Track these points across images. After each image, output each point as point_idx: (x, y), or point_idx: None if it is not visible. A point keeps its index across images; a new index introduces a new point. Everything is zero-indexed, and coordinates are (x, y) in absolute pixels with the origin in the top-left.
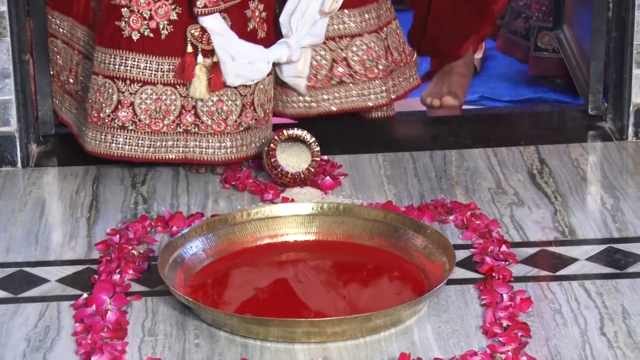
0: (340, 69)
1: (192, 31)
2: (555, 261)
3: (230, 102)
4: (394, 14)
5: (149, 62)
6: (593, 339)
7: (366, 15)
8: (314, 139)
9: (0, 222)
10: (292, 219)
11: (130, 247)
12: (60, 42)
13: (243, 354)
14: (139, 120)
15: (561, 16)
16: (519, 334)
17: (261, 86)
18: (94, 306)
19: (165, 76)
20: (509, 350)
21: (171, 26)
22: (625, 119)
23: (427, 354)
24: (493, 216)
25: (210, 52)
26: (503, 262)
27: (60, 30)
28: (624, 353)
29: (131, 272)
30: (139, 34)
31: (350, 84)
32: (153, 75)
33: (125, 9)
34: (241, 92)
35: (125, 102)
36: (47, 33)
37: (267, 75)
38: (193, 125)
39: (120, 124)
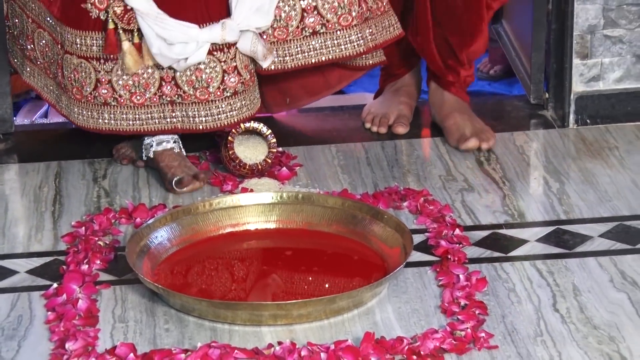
0: (312, 19)
1: (115, 9)
2: (507, 243)
3: (209, 70)
4: None
5: None
6: (547, 315)
7: None
8: (270, 131)
9: None
10: (252, 208)
11: (97, 239)
12: (17, 6)
13: (212, 337)
14: (120, 96)
15: (500, 11)
16: (477, 312)
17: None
18: (64, 295)
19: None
20: (467, 328)
21: None
22: (566, 107)
23: (390, 333)
24: (445, 202)
25: (131, 32)
26: (457, 245)
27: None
28: (577, 327)
29: (98, 262)
30: (106, 14)
31: (324, 34)
32: None
33: None
34: (220, 58)
35: (103, 79)
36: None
37: (205, 55)
38: (177, 96)
39: (103, 101)
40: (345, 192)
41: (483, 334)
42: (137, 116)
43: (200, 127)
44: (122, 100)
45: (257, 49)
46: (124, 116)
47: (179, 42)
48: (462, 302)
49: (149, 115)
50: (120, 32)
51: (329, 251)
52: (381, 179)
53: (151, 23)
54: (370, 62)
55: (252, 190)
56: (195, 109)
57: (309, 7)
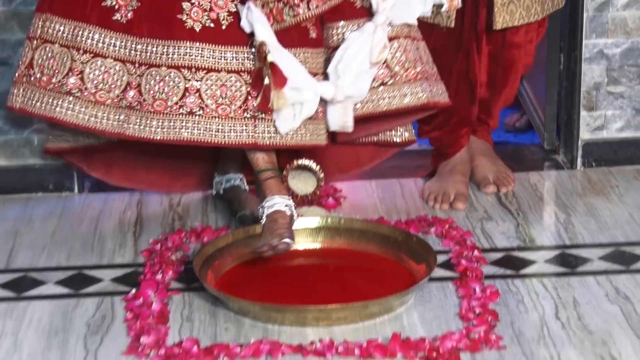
0: (381, 72)
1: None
2: (518, 263)
3: (234, 88)
4: (421, 35)
5: (212, 50)
6: (549, 323)
7: (398, 28)
8: (319, 167)
9: (62, 235)
10: (302, 230)
11: (170, 254)
12: (57, 45)
13: (264, 335)
14: (207, 106)
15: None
16: (489, 318)
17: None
18: (141, 299)
19: (229, 64)
20: (481, 331)
21: (231, 17)
22: (575, 152)
23: (414, 335)
24: (467, 228)
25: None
26: (475, 264)
27: (60, 34)
28: (575, 333)
29: (170, 273)
30: (200, 25)
31: (392, 85)
32: (217, 63)
33: (187, 2)
34: (247, 80)
35: (192, 89)
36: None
37: (315, 109)
38: (198, 108)
39: (188, 110)
40: (382, 219)
41: (494, 337)
42: (221, 127)
43: (216, 140)
44: (207, 111)
45: (347, 117)
46: (208, 126)
47: (298, 87)
48: (478, 310)
49: (232, 128)
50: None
51: (365, 266)
52: (413, 209)
53: (283, 61)
54: (403, 139)
55: (301, 215)
56: (219, 123)
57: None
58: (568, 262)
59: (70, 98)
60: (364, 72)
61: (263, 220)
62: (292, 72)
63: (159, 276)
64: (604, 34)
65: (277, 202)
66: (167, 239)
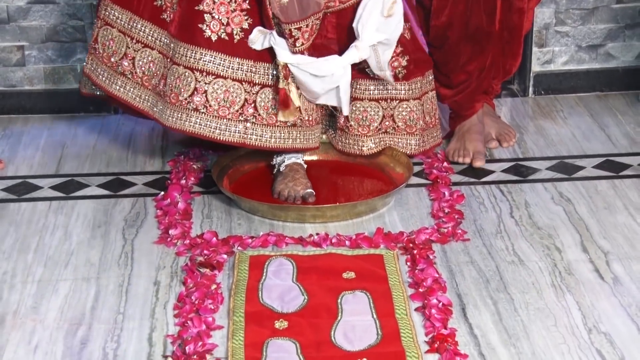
0: (387, 122)
1: (282, 69)
2: (480, 172)
3: (235, 94)
4: (432, 85)
5: (223, 59)
6: (505, 220)
7: (413, 85)
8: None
9: (101, 147)
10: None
11: (191, 163)
12: (116, 30)
13: (270, 229)
14: (210, 106)
15: None
16: (456, 216)
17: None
18: (169, 199)
19: (234, 73)
20: (449, 226)
21: (242, 33)
22: (527, 82)
23: (395, 229)
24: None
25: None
26: (445, 173)
27: (118, 21)
28: (526, 228)
29: (192, 179)
30: (217, 36)
31: (393, 134)
32: (225, 71)
33: (208, 15)
34: (246, 89)
35: (200, 89)
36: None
37: (350, 76)
38: (202, 106)
39: (194, 107)
40: None
41: (459, 231)
42: (219, 125)
43: (213, 136)
44: (210, 110)
45: (381, 58)
46: (208, 123)
47: (329, 74)
48: (446, 210)
49: (228, 127)
50: (290, 88)
51: (354, 175)
52: None
53: (307, 68)
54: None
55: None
56: (264, 130)
57: (387, 114)
58: (521, 172)
59: (123, 78)
60: (382, 23)
61: (282, 168)
62: (315, 83)
63: (183, 181)
64: None
65: (295, 155)
66: (189, 152)
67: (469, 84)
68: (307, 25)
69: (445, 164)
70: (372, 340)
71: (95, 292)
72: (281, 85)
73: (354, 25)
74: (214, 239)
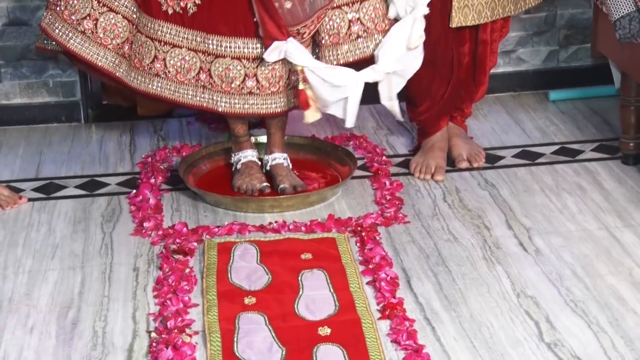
0: (356, 27)
1: (302, 76)
2: None
3: (235, 71)
4: None
5: (177, 31)
6: (440, 204)
7: None
8: None
9: (76, 153)
10: (260, 144)
11: (159, 164)
12: None
13: (234, 220)
14: (168, 72)
15: None
16: (397, 202)
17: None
18: (141, 196)
19: (189, 43)
20: (391, 211)
21: (195, 7)
22: None
23: (344, 215)
24: (377, 142)
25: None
26: (384, 166)
27: None
28: (458, 210)
29: (160, 178)
30: (172, 10)
31: (365, 38)
32: (180, 41)
33: None
34: (245, 65)
35: (160, 57)
36: None
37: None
38: (208, 83)
39: (155, 72)
40: (313, 136)
41: (401, 215)
42: (177, 89)
43: (220, 109)
44: (169, 75)
45: (392, 89)
46: (168, 87)
47: (342, 85)
48: (388, 197)
49: (186, 91)
50: (308, 93)
51: (305, 169)
52: (336, 130)
53: (321, 73)
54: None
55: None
56: (219, 96)
57: (353, 19)
58: (450, 162)
59: (82, 36)
60: (402, 54)
61: (239, 166)
62: (325, 90)
63: (152, 180)
64: None
65: (250, 154)
66: (156, 154)
67: (432, 107)
68: (311, 21)
69: (384, 157)
70: (331, 310)
71: (81, 279)
72: (300, 86)
73: (375, 52)
74: (185, 229)
